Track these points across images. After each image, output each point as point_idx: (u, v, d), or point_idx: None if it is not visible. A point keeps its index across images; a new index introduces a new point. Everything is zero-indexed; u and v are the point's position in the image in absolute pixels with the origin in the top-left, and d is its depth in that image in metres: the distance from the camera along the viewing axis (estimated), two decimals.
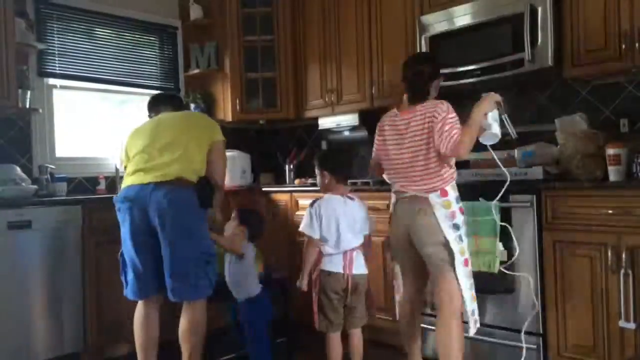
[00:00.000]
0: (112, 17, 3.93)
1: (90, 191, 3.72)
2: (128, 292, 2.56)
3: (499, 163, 2.42)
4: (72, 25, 3.74)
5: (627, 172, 2.50)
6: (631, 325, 2.29)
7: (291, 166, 4.31)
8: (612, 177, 2.49)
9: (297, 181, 4.10)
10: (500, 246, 2.56)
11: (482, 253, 2.59)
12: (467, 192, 2.54)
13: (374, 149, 2.61)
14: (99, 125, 3.94)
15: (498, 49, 2.89)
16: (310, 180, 3.88)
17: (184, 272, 2.42)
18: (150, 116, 2.87)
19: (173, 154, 2.47)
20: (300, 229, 2.60)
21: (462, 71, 3.02)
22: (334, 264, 2.55)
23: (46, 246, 2.94)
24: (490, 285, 2.62)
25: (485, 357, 2.69)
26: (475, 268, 2.59)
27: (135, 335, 2.59)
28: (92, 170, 3.78)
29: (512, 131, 2.38)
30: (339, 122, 3.91)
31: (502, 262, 2.55)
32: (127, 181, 2.50)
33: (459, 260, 2.33)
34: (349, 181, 2.76)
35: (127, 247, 2.50)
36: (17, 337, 2.80)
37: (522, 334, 2.55)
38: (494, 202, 2.51)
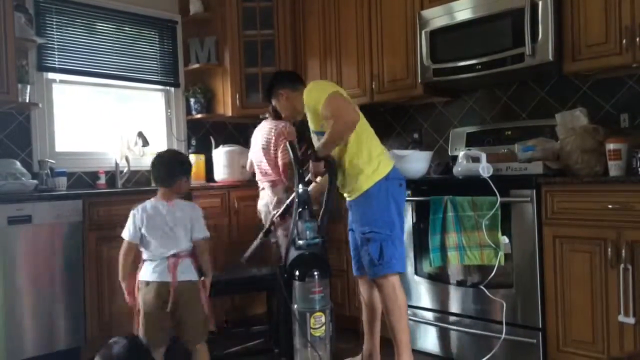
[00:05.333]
0: (111, 11, 3.92)
1: (90, 186, 3.71)
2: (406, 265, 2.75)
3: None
4: (71, 19, 3.73)
5: (627, 167, 2.50)
6: (630, 320, 2.29)
7: None
8: (612, 172, 2.49)
9: None
10: (505, 239, 2.57)
11: (484, 247, 2.60)
12: (469, 187, 2.54)
13: None
14: (98, 119, 3.92)
15: (498, 44, 2.88)
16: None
17: None
18: None
19: None
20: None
21: (462, 66, 3.02)
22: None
23: (46, 241, 2.94)
24: (490, 279, 2.63)
25: (484, 350, 2.70)
26: (477, 262, 2.61)
27: (405, 306, 2.57)
28: (92, 165, 3.78)
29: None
30: None
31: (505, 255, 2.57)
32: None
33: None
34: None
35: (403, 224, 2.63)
36: (17, 331, 2.81)
37: (522, 328, 2.56)
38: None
